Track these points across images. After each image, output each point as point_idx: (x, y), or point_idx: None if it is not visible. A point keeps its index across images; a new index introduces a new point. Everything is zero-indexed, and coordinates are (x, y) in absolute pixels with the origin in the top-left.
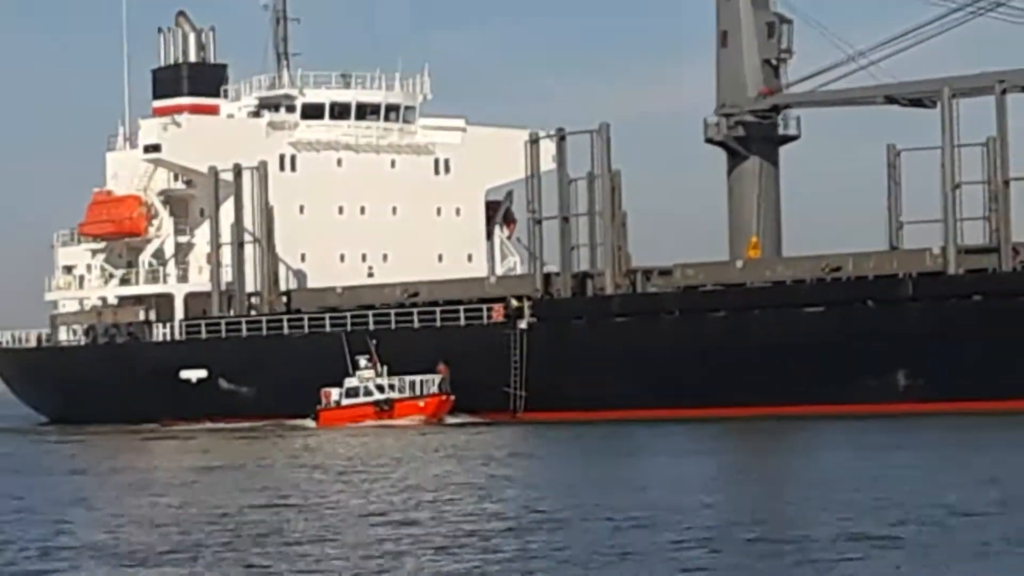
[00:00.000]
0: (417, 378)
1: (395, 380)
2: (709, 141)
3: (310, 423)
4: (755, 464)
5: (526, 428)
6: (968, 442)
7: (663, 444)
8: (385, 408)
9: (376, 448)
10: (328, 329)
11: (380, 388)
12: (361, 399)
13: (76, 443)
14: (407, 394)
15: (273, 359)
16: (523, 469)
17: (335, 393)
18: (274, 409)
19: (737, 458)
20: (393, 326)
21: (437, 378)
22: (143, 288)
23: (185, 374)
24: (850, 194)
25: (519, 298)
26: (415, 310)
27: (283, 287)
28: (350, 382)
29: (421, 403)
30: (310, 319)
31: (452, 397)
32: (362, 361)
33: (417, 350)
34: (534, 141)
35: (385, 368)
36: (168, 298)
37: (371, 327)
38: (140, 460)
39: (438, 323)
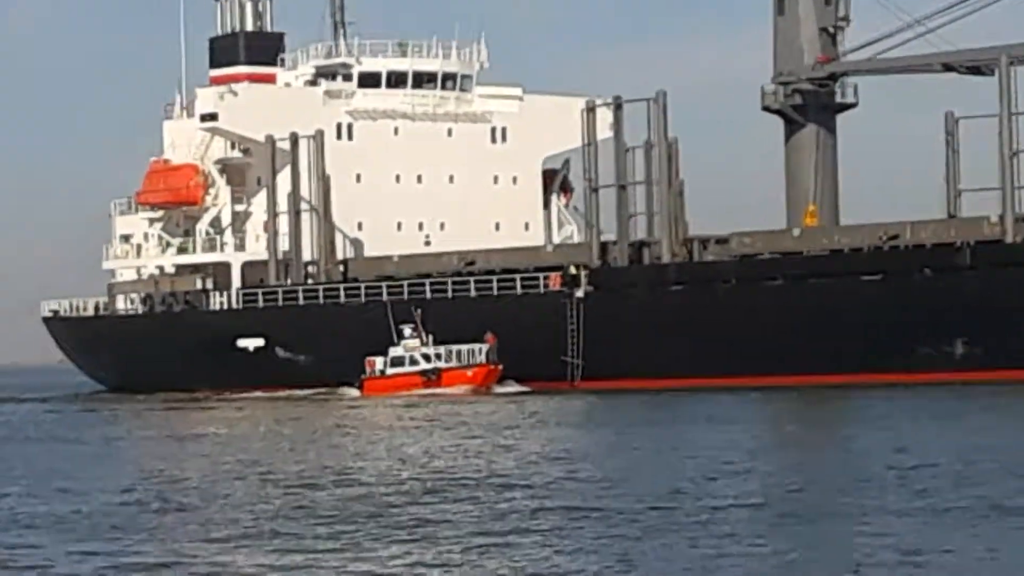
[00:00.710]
0: (464, 347)
1: (441, 349)
2: (766, 109)
3: (354, 392)
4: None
5: (601, 397)
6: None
7: (708, 412)
8: (432, 377)
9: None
10: (385, 298)
11: (426, 357)
12: (407, 368)
13: (101, 412)
14: (454, 363)
15: (330, 328)
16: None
17: (379, 362)
18: (331, 377)
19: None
20: (451, 295)
21: (484, 347)
22: (200, 257)
23: (242, 343)
24: (908, 162)
25: (577, 266)
26: (471, 279)
27: (340, 256)
28: (395, 351)
29: (469, 372)
30: (367, 288)
31: (500, 366)
32: (407, 330)
33: (470, 319)
34: (591, 109)
35: (431, 337)
36: (225, 267)
37: (428, 296)
38: (144, 430)
39: (495, 292)
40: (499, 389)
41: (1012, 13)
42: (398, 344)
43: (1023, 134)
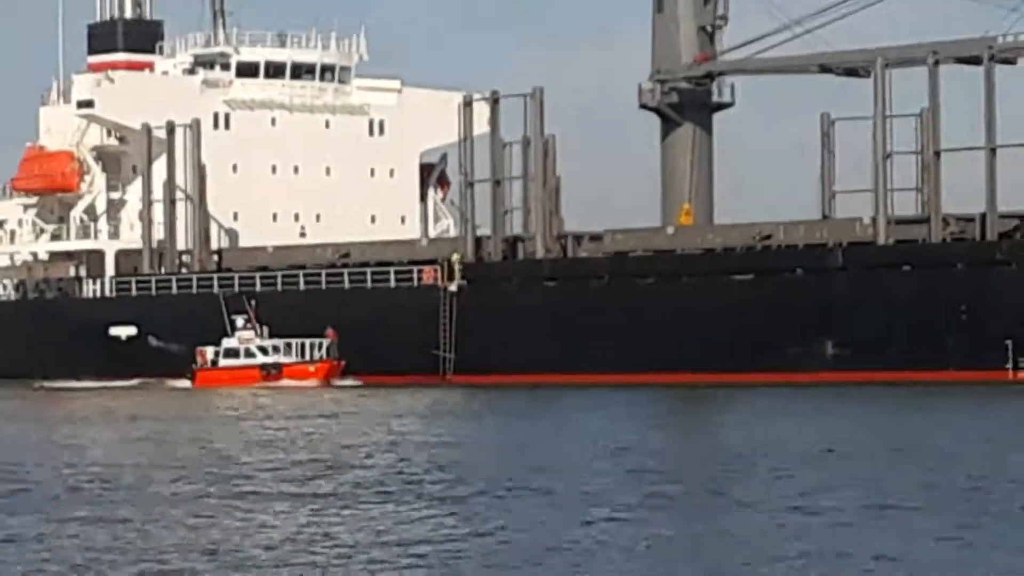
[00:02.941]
0: (304, 341)
1: (279, 342)
2: (643, 107)
3: (185, 383)
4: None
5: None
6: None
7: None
8: (273, 371)
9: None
10: (259, 288)
11: (263, 350)
12: (242, 360)
13: None
14: (294, 357)
15: (200, 317)
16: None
17: (210, 352)
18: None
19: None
20: (324, 286)
21: (325, 342)
22: (74, 244)
23: (115, 331)
24: (784, 162)
25: (461, 256)
26: (345, 271)
27: (215, 245)
28: (228, 342)
29: (311, 367)
30: (240, 278)
31: (342, 362)
32: (239, 320)
33: (338, 311)
34: (467, 104)
35: (265, 329)
36: (99, 254)
37: (301, 287)
38: None
39: (369, 284)
40: (339, 383)
41: (888, 16)
42: (232, 335)
43: (897, 136)
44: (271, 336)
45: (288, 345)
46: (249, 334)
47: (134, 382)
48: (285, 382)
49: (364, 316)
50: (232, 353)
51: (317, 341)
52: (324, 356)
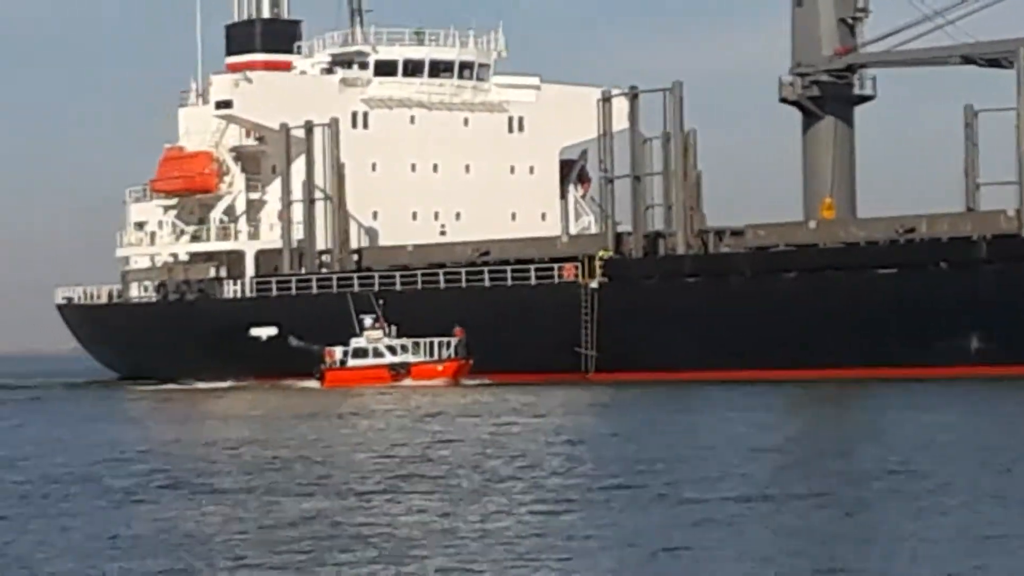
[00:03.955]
0: (431, 340)
1: (407, 341)
2: (784, 101)
3: (314, 384)
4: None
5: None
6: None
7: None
8: (401, 371)
9: None
10: (399, 288)
11: (392, 349)
12: (371, 360)
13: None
14: (423, 357)
15: (341, 316)
16: None
17: (339, 352)
18: None
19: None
20: (464, 285)
21: (454, 341)
22: (214, 245)
23: (255, 331)
24: (926, 155)
25: (604, 250)
26: (485, 269)
27: (354, 245)
28: (357, 342)
29: (440, 367)
30: (380, 277)
31: (470, 360)
32: (367, 320)
33: (483, 309)
34: (606, 99)
35: (393, 328)
36: (239, 255)
37: (441, 286)
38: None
39: (509, 282)
40: (468, 382)
41: None
42: (360, 335)
43: None
44: (399, 335)
45: (416, 344)
46: (377, 334)
47: (230, 383)
48: (413, 381)
49: (504, 314)
50: (360, 353)
51: (445, 340)
52: (452, 355)
